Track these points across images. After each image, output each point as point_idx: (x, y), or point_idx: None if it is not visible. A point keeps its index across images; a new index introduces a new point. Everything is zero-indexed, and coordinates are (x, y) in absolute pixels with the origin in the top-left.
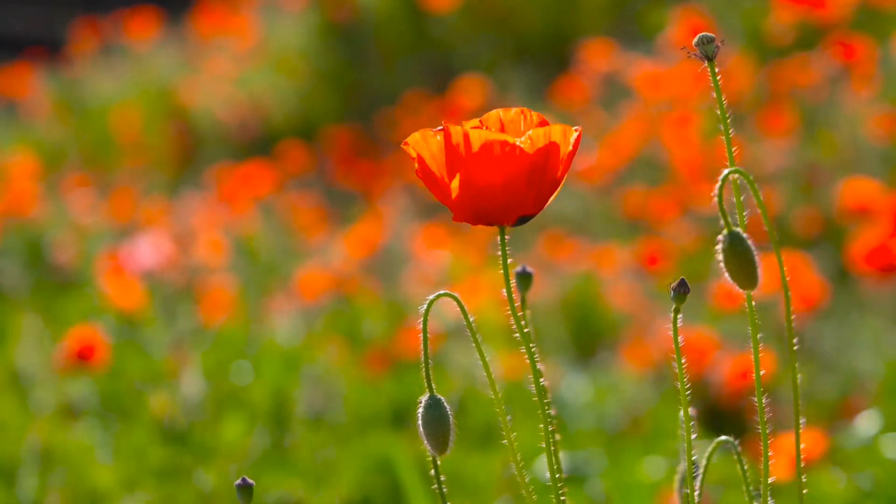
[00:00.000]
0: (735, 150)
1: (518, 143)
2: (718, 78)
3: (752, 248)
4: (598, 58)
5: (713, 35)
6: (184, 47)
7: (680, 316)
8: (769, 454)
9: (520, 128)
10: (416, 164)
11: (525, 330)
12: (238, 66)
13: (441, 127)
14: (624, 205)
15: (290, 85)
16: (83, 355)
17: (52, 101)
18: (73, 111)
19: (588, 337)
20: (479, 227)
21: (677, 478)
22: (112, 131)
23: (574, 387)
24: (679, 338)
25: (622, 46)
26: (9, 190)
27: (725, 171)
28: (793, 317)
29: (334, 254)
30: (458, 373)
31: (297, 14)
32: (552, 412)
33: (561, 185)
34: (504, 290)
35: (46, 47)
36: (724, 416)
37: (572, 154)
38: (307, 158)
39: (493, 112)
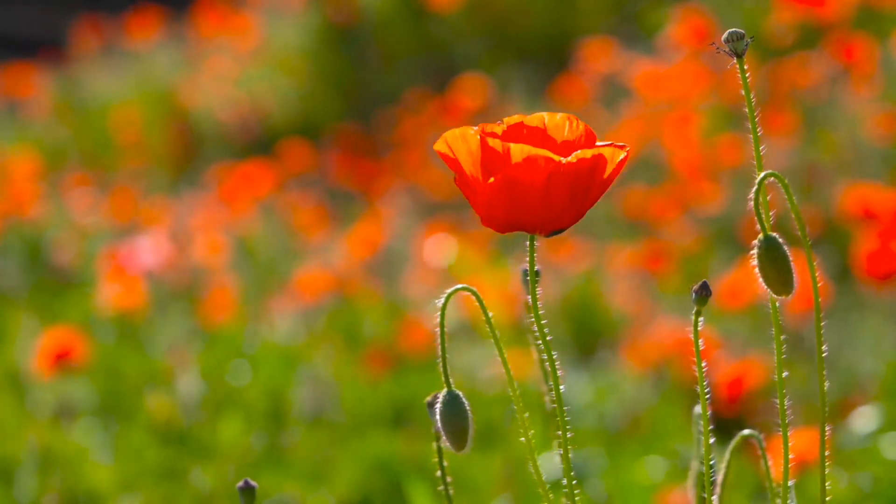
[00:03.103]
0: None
1: (564, 161)
2: (748, 76)
3: (788, 253)
4: (598, 58)
5: (742, 31)
6: (184, 47)
7: (701, 319)
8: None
9: (563, 133)
10: (448, 165)
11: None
12: (238, 66)
13: (479, 128)
14: (624, 205)
15: (290, 85)
16: (63, 357)
17: (53, 101)
18: (74, 111)
19: (588, 337)
20: (482, 227)
21: (691, 476)
22: (112, 131)
23: (574, 387)
24: (700, 340)
25: (622, 46)
26: (9, 190)
27: (762, 175)
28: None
29: (335, 254)
30: (459, 373)
31: (298, 14)
32: (553, 413)
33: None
34: (535, 293)
35: (46, 47)
36: (724, 416)
37: (617, 171)
38: (307, 158)
39: (538, 115)
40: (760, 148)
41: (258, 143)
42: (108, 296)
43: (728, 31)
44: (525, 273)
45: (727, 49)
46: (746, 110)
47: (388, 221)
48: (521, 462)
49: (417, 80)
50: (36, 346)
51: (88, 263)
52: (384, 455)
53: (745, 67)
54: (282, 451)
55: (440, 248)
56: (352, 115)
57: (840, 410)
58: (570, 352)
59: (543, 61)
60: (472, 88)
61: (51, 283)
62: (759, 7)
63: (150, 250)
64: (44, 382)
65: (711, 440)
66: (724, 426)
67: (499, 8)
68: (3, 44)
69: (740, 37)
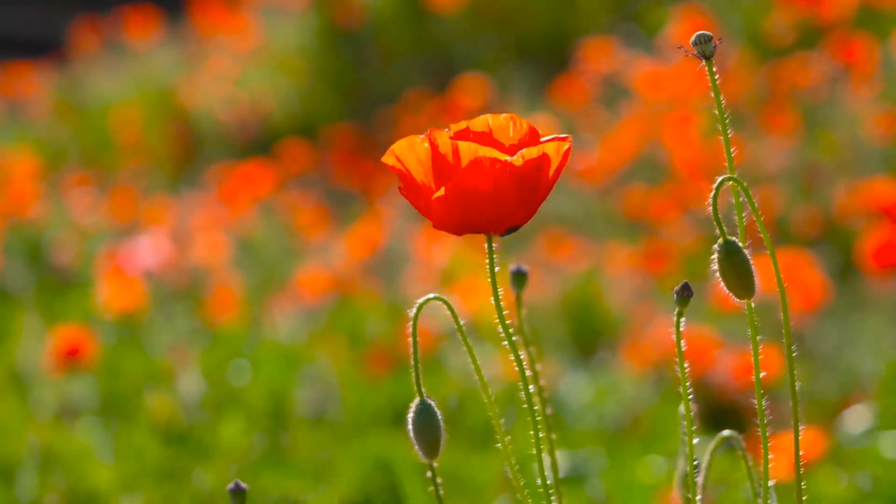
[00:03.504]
0: (735, 151)
1: (509, 160)
2: (717, 77)
3: (748, 257)
4: (598, 58)
5: (711, 34)
6: (184, 47)
7: (683, 319)
8: (769, 455)
9: (508, 134)
10: (397, 176)
11: (512, 333)
12: (238, 66)
13: (427, 134)
14: (624, 205)
15: (290, 84)
16: (72, 355)
17: (53, 101)
18: (74, 111)
19: (588, 337)
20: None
21: (677, 475)
22: (112, 131)
23: (574, 387)
24: (682, 341)
25: (622, 45)
26: (9, 190)
27: (720, 179)
28: (794, 316)
29: (335, 254)
30: (457, 373)
31: (298, 13)
32: (549, 413)
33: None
34: (497, 293)
35: (46, 47)
36: (725, 415)
37: (563, 164)
38: (307, 158)
39: (482, 118)
40: (733, 149)
41: (258, 143)
42: (109, 296)
43: (696, 34)
44: (514, 274)
45: (695, 52)
46: (744, 110)
47: (388, 221)
48: (520, 462)
49: (417, 80)
50: (43, 345)
51: (88, 263)
52: (384, 455)
53: (715, 70)
54: (283, 450)
55: (439, 248)
56: (352, 115)
57: (840, 410)
58: (570, 352)
59: (543, 61)
60: (472, 88)
61: (51, 282)
62: (759, 7)
63: (150, 250)
64: (46, 382)
65: (711, 439)
66: (728, 421)
67: (499, 8)
68: (3, 44)
69: (708, 39)
